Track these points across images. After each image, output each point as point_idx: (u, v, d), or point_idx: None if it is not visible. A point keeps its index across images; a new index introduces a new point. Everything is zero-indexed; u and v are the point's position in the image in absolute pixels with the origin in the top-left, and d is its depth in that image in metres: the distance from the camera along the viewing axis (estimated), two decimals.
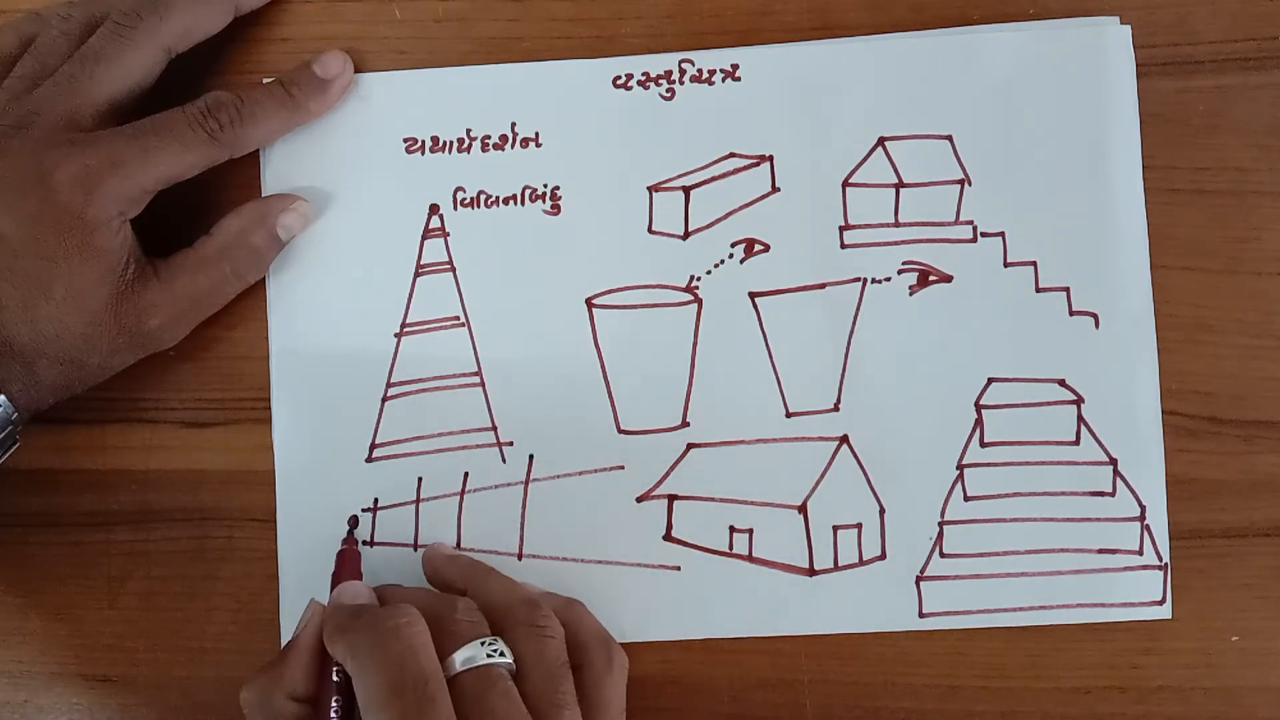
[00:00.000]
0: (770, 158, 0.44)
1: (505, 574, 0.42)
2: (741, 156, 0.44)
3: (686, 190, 0.44)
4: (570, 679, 0.38)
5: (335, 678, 0.38)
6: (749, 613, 0.44)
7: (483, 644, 0.37)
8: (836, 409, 0.44)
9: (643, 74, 0.45)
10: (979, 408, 0.44)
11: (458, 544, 0.44)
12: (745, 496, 0.44)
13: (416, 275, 0.45)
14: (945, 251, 0.44)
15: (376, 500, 0.44)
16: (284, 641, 0.44)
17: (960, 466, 0.44)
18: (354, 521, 0.44)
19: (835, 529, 0.44)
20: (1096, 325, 0.44)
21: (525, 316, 0.44)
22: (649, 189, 0.44)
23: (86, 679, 0.45)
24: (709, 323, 0.44)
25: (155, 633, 0.45)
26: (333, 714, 0.38)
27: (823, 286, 0.44)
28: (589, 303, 0.44)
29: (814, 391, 0.44)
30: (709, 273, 0.44)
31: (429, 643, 0.36)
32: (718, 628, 0.44)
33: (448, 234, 0.45)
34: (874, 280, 0.44)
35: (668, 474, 0.44)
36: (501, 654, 0.37)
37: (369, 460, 0.44)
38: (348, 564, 0.42)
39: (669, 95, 0.44)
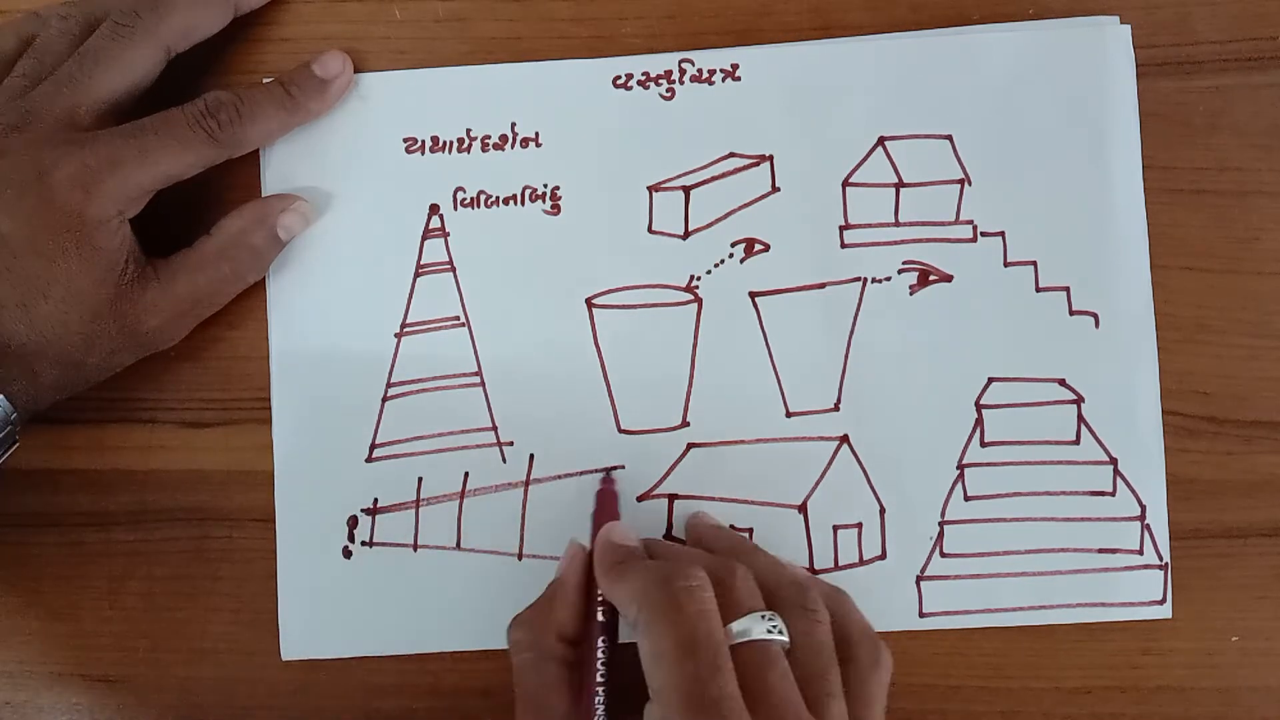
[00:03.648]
0: (770, 158, 0.44)
1: (770, 553, 0.41)
2: (741, 156, 0.44)
3: (686, 190, 0.44)
4: (837, 668, 0.37)
5: (601, 618, 0.38)
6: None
7: (764, 617, 0.36)
8: (836, 409, 0.44)
9: (643, 74, 0.45)
10: (979, 407, 0.44)
11: (458, 544, 0.44)
12: (745, 496, 0.44)
13: (416, 275, 0.45)
14: (945, 251, 0.44)
15: (376, 500, 0.44)
16: (284, 641, 0.44)
17: (960, 466, 0.44)
18: (612, 471, 0.43)
19: (835, 529, 0.44)
20: (1096, 325, 0.44)
21: (525, 316, 0.44)
22: (649, 189, 0.44)
23: (86, 679, 0.45)
24: (709, 323, 0.44)
25: (155, 633, 0.45)
26: (599, 654, 0.38)
27: (823, 286, 0.44)
28: (589, 303, 0.44)
29: (814, 391, 0.44)
30: (709, 272, 0.44)
31: (718, 610, 0.36)
32: None
33: (448, 234, 0.45)
34: (874, 280, 0.44)
35: (668, 474, 0.44)
36: (781, 631, 0.36)
37: (369, 460, 0.44)
38: (608, 504, 0.41)
39: (669, 95, 0.44)
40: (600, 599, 0.39)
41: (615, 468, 0.44)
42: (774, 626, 0.36)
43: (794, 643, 0.37)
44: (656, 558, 0.40)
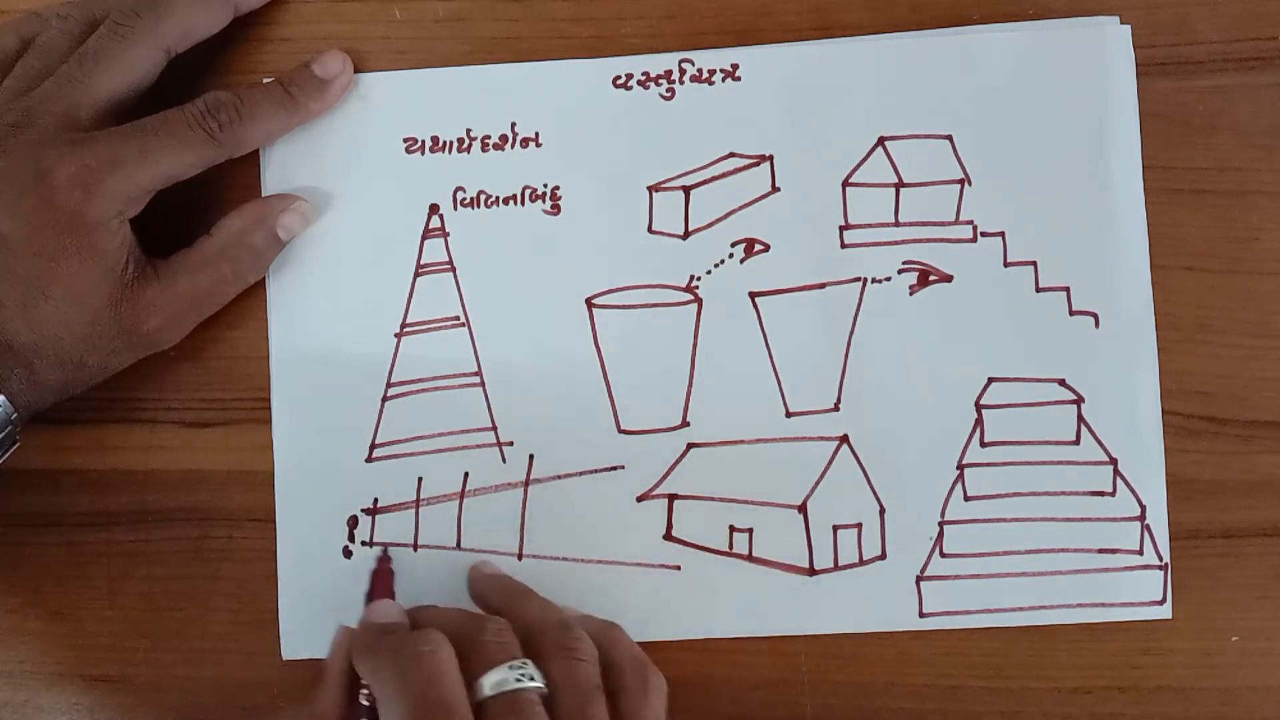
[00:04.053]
0: (770, 157, 0.44)
1: (544, 596, 0.42)
2: (741, 156, 0.44)
3: (686, 190, 0.44)
4: (602, 703, 0.37)
5: (364, 701, 0.38)
6: (749, 613, 0.44)
7: (511, 667, 0.36)
8: (836, 409, 0.44)
9: (643, 74, 0.45)
10: (979, 407, 0.44)
11: (458, 544, 0.44)
12: (745, 496, 0.44)
13: (416, 275, 0.45)
14: (945, 251, 0.44)
15: (376, 500, 0.44)
16: (284, 641, 0.44)
17: (960, 466, 0.44)
18: (385, 550, 0.44)
19: (835, 529, 0.44)
20: (1096, 325, 0.44)
21: (525, 316, 0.44)
22: (649, 189, 0.44)
23: (86, 679, 0.45)
24: (709, 323, 0.44)
25: (155, 633, 0.45)
26: None
27: (823, 286, 0.44)
28: (589, 303, 0.44)
29: (814, 391, 0.44)
30: (709, 273, 0.44)
31: (454, 670, 0.36)
32: (718, 628, 0.44)
33: (448, 234, 0.45)
34: (874, 280, 0.44)
35: (668, 474, 0.44)
36: (531, 678, 0.36)
37: (369, 460, 0.44)
38: (380, 582, 0.41)
39: (669, 95, 0.44)
40: (364, 684, 0.38)
41: (386, 547, 0.44)
42: (524, 674, 0.36)
43: (555, 685, 0.37)
44: (417, 625, 0.39)
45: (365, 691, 0.38)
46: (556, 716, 0.36)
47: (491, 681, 0.36)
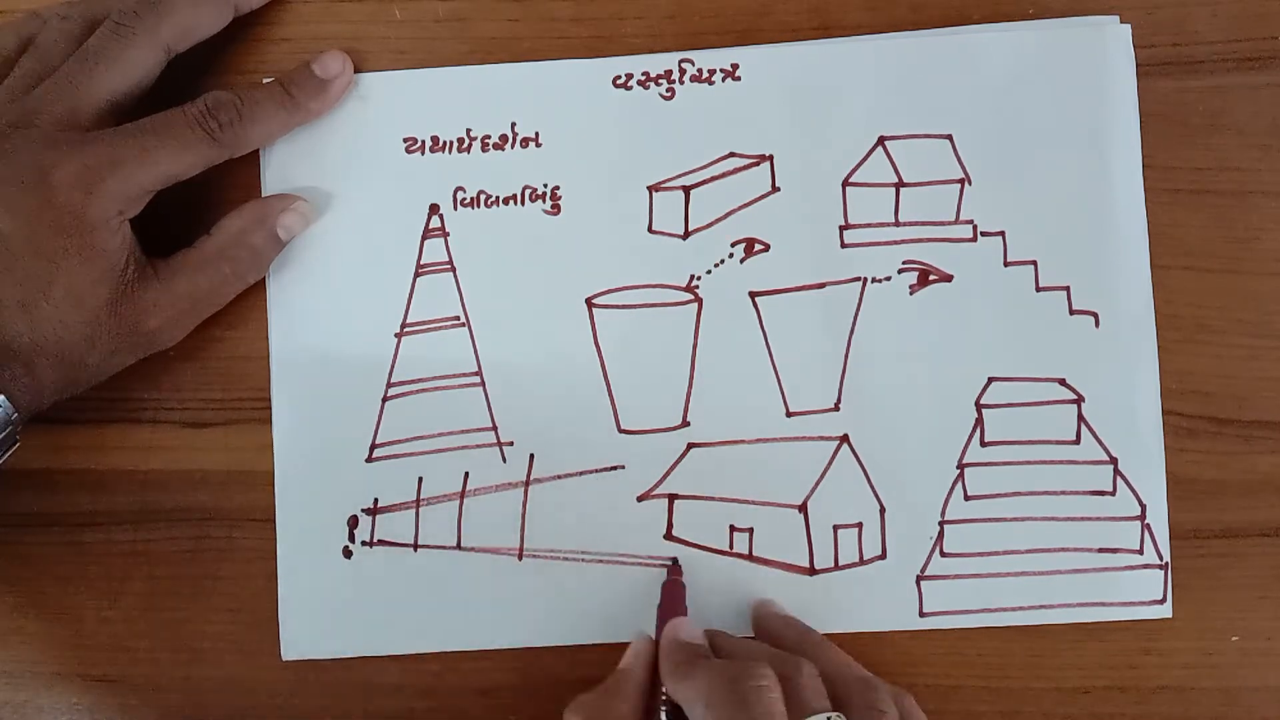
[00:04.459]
0: (770, 157, 0.44)
1: (838, 648, 0.41)
2: (741, 156, 0.44)
3: (686, 190, 0.44)
4: None
5: (664, 716, 0.38)
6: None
7: (829, 718, 0.36)
8: (837, 409, 0.44)
9: (643, 74, 0.45)
10: (979, 407, 0.44)
11: (458, 544, 0.44)
12: (745, 496, 0.44)
13: (416, 275, 0.45)
14: (945, 251, 0.44)
15: (376, 500, 0.44)
16: (284, 641, 0.44)
17: (960, 466, 0.44)
18: (676, 563, 0.43)
19: (836, 528, 0.44)
20: (1096, 325, 0.44)
21: (525, 316, 0.44)
22: (649, 189, 0.44)
23: (86, 679, 0.45)
24: (709, 322, 0.44)
25: (155, 633, 0.45)
26: None
27: (823, 286, 0.44)
28: (589, 303, 0.44)
29: (814, 391, 0.44)
30: (709, 272, 0.44)
31: (785, 710, 0.35)
32: (718, 627, 0.44)
33: (448, 234, 0.45)
34: (874, 280, 0.44)
35: (668, 473, 0.44)
36: None
37: (369, 460, 0.44)
38: (675, 598, 0.41)
39: (669, 95, 0.44)
40: (664, 696, 0.38)
41: (674, 560, 0.43)
42: None
43: None
44: (722, 652, 0.39)
45: (666, 706, 0.38)
46: None
47: None
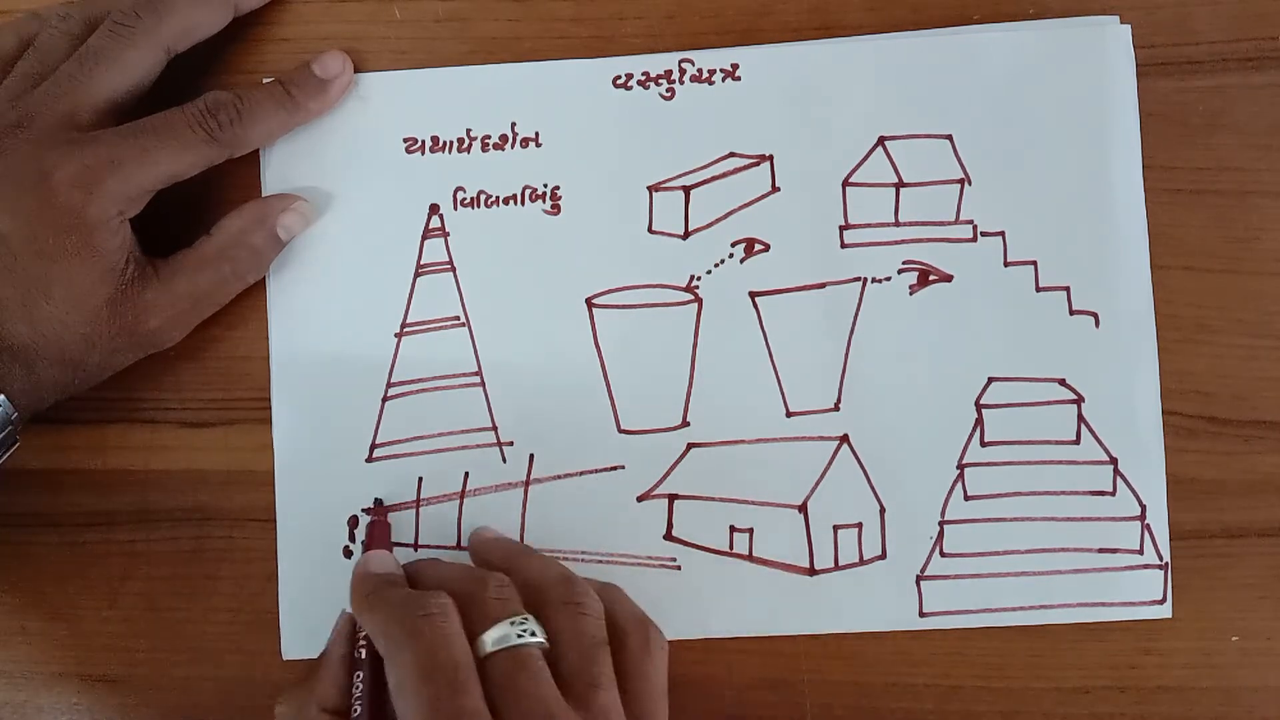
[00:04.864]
0: (770, 157, 0.44)
1: (544, 555, 0.42)
2: (741, 156, 0.44)
3: (686, 190, 0.44)
4: (608, 657, 0.37)
5: (361, 654, 0.38)
6: (749, 612, 0.44)
7: (513, 623, 0.36)
8: (837, 409, 0.44)
9: (643, 74, 0.45)
10: (979, 407, 0.44)
11: (458, 544, 0.44)
12: (745, 496, 0.44)
13: (416, 275, 0.45)
14: (945, 251, 0.44)
15: (376, 500, 0.44)
16: (284, 641, 0.44)
17: (960, 466, 0.44)
18: (379, 502, 0.44)
19: (835, 528, 0.44)
20: (1096, 325, 0.44)
21: (525, 316, 0.44)
22: (649, 189, 0.44)
23: (86, 679, 0.45)
24: (709, 322, 0.44)
25: (155, 633, 0.45)
26: (355, 690, 0.38)
27: (823, 286, 0.44)
28: (589, 303, 0.44)
29: (814, 391, 0.44)
30: (709, 272, 0.44)
31: (460, 629, 0.36)
32: (718, 627, 0.44)
33: (448, 234, 0.45)
34: (874, 280, 0.44)
35: (668, 474, 0.44)
36: (533, 634, 0.36)
37: (369, 460, 0.44)
38: (377, 534, 0.42)
39: (669, 95, 0.44)
40: (361, 633, 0.39)
41: (378, 501, 0.44)
42: (525, 630, 0.36)
43: (558, 638, 0.37)
44: (415, 582, 0.40)
45: (363, 642, 0.38)
46: (560, 670, 0.36)
47: (493, 637, 0.36)
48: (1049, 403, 0.44)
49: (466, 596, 0.37)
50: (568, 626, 0.37)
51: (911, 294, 0.44)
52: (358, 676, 0.38)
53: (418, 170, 0.45)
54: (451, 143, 0.45)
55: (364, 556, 0.41)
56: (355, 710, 0.38)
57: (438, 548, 0.44)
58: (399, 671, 0.35)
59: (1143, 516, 0.43)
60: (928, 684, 0.44)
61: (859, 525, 0.44)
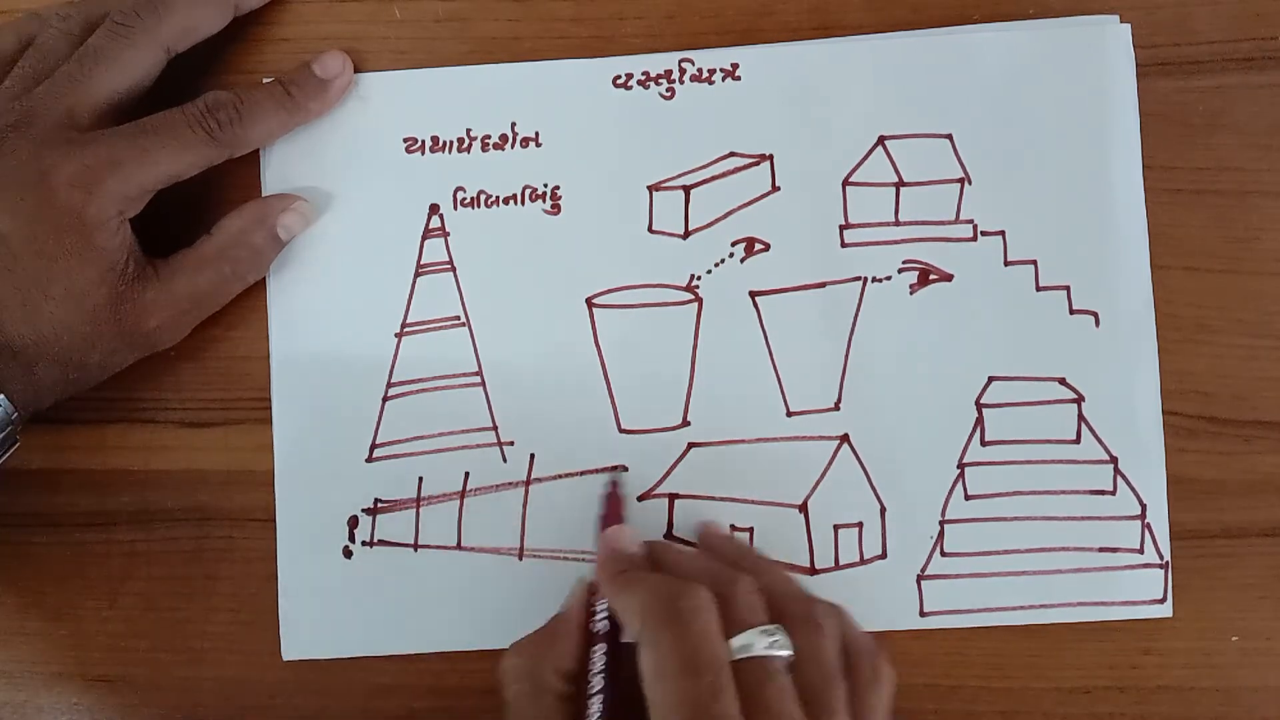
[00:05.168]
0: (770, 157, 0.44)
1: (777, 564, 0.41)
2: (741, 156, 0.44)
3: (686, 190, 0.44)
4: (843, 683, 0.36)
5: (600, 628, 0.38)
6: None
7: (764, 632, 0.36)
8: (837, 408, 0.44)
9: (643, 74, 0.45)
10: (979, 406, 0.44)
11: (458, 543, 0.44)
12: (746, 496, 0.44)
13: (416, 275, 0.45)
14: (945, 250, 0.44)
15: (376, 500, 0.44)
16: (284, 641, 0.44)
17: (961, 465, 0.44)
18: (617, 473, 0.43)
19: (836, 528, 0.44)
20: (1097, 324, 0.44)
21: (525, 316, 0.44)
22: (649, 188, 0.44)
23: (86, 679, 0.45)
24: (709, 322, 0.44)
25: (155, 633, 0.45)
26: (598, 663, 0.38)
27: (823, 285, 0.44)
28: (589, 302, 0.44)
29: (814, 391, 0.44)
30: (709, 272, 0.44)
31: (720, 629, 0.36)
32: None
33: (448, 234, 0.45)
34: (874, 279, 0.44)
35: (668, 473, 0.44)
36: (783, 646, 0.36)
37: (369, 460, 0.44)
38: (613, 508, 0.41)
39: (669, 95, 0.44)
40: (603, 606, 0.39)
41: (619, 468, 0.44)
42: (775, 641, 0.36)
43: (798, 656, 0.36)
44: (661, 565, 0.39)
45: (604, 616, 0.38)
46: (798, 688, 0.35)
47: (740, 643, 0.36)
48: (1049, 402, 0.44)
49: (718, 595, 0.36)
50: (808, 645, 0.36)
51: (912, 293, 0.44)
52: (597, 650, 0.38)
53: (418, 170, 0.45)
54: (451, 143, 0.45)
55: (610, 531, 0.40)
56: (595, 685, 0.37)
57: (438, 548, 0.44)
58: (659, 657, 0.35)
59: (1143, 516, 0.43)
60: (928, 684, 0.44)
61: (859, 525, 0.44)
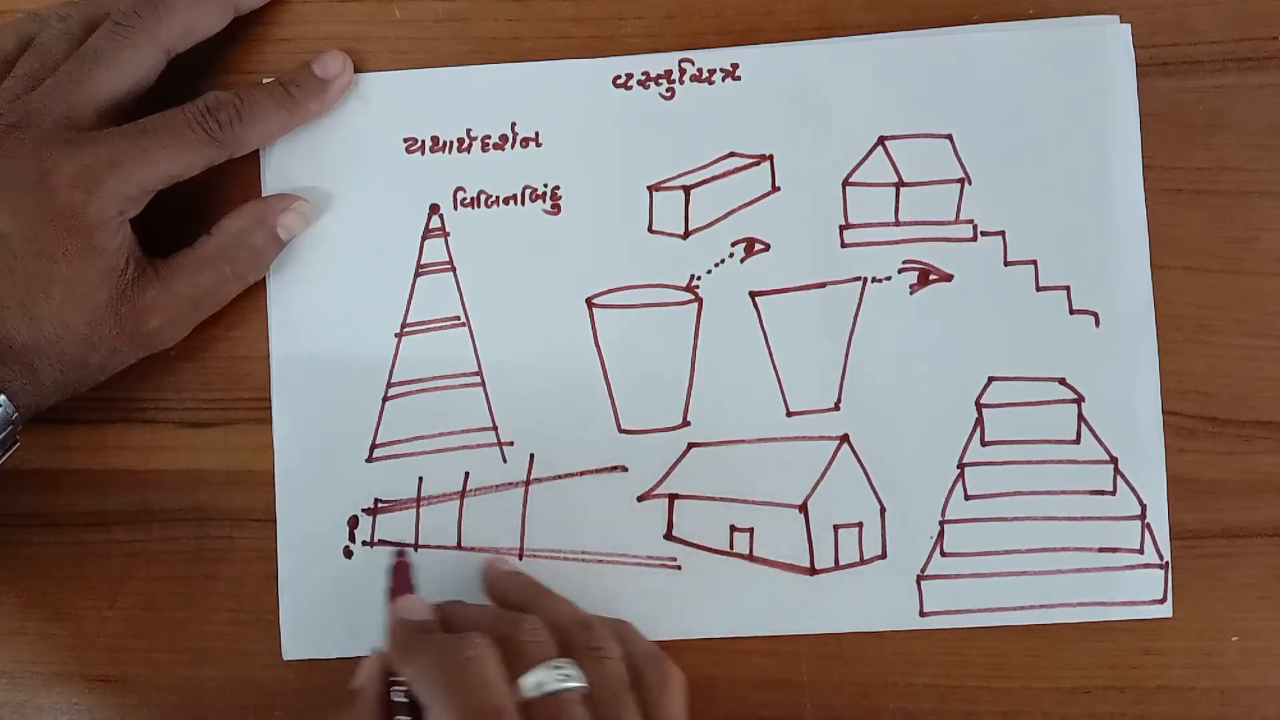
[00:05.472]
0: (770, 157, 0.44)
1: (561, 594, 0.42)
2: (741, 156, 0.44)
3: (686, 190, 0.44)
4: (633, 699, 0.37)
5: (401, 699, 0.38)
6: (749, 612, 0.44)
7: (552, 667, 0.37)
8: (837, 408, 0.44)
9: (643, 74, 0.45)
10: (979, 406, 0.44)
11: (458, 543, 0.44)
12: (746, 496, 0.44)
13: (417, 275, 0.45)
14: (945, 250, 0.44)
15: (376, 500, 0.44)
16: (284, 641, 0.44)
17: (961, 465, 0.44)
18: (403, 547, 0.44)
19: (836, 528, 0.44)
20: (1097, 324, 0.44)
21: (525, 316, 0.44)
22: (649, 189, 0.44)
23: (86, 679, 0.45)
24: (709, 322, 0.44)
25: (155, 633, 0.45)
26: None
27: (823, 286, 0.44)
28: (589, 303, 0.44)
29: (814, 391, 0.44)
30: (709, 272, 0.44)
31: (500, 673, 0.36)
32: (718, 627, 0.44)
33: (448, 234, 0.45)
34: (874, 279, 0.44)
35: (668, 473, 0.44)
36: (571, 678, 0.37)
37: (369, 460, 0.44)
38: (400, 578, 0.41)
39: (669, 95, 0.44)
40: (399, 681, 0.38)
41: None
42: (565, 675, 0.36)
43: (589, 682, 0.37)
44: (448, 624, 0.39)
45: (403, 689, 0.38)
46: (592, 714, 0.36)
47: (533, 682, 0.36)
48: (1049, 402, 0.44)
49: (502, 639, 0.37)
50: (595, 672, 0.37)
51: (912, 293, 0.44)
52: None
53: (418, 170, 0.45)
54: (451, 143, 0.45)
55: (396, 604, 0.40)
56: None
57: (438, 548, 0.44)
58: (446, 716, 0.35)
59: (1143, 516, 0.43)
60: (928, 684, 0.44)
61: (859, 525, 0.44)
